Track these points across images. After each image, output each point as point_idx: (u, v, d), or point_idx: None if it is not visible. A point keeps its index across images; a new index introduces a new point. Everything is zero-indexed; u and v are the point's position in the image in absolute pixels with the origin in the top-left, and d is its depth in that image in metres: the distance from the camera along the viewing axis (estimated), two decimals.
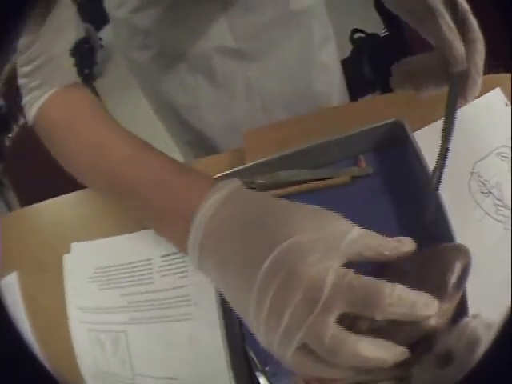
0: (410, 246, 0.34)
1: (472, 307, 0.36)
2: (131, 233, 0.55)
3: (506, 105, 0.53)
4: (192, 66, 0.70)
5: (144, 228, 0.53)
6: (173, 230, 0.40)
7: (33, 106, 0.48)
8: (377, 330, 0.31)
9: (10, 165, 1.03)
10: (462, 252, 0.34)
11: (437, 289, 0.32)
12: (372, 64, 0.93)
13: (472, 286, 0.34)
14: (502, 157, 0.49)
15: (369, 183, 0.49)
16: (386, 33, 0.96)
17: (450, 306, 0.32)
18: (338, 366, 0.30)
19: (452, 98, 0.40)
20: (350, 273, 0.31)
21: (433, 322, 0.31)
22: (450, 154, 0.46)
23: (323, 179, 0.49)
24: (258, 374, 0.44)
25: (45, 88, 0.48)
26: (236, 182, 0.37)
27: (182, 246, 0.38)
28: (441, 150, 0.41)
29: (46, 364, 0.51)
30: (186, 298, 0.51)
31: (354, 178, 0.49)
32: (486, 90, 0.52)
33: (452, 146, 0.47)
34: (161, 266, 0.53)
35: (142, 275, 0.53)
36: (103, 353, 0.53)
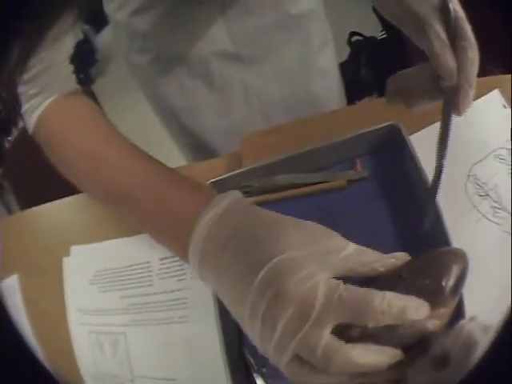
0: (404, 259, 0.35)
1: (469, 309, 0.37)
2: (130, 236, 0.56)
3: (505, 107, 0.53)
4: (191, 69, 0.71)
5: (142, 232, 0.53)
6: (172, 242, 0.41)
7: (32, 114, 0.49)
8: (370, 335, 0.32)
9: (10, 168, 1.03)
10: (459, 256, 0.34)
11: (434, 293, 0.33)
12: (369, 67, 0.93)
13: (468, 289, 0.34)
14: (499, 159, 0.49)
15: (365, 187, 0.49)
16: (384, 35, 0.96)
17: (447, 310, 0.33)
18: (333, 374, 0.31)
19: (446, 111, 0.40)
20: (341, 285, 0.31)
21: (430, 325, 0.32)
22: (447, 156, 0.47)
23: (320, 183, 0.50)
24: (255, 375, 0.44)
25: (44, 95, 0.48)
26: (234, 196, 0.38)
27: (183, 258, 0.39)
28: (436, 167, 0.41)
29: (46, 365, 0.52)
30: (184, 300, 0.52)
31: (350, 181, 0.49)
32: (484, 91, 0.53)
33: (449, 148, 0.48)
34: (159, 269, 0.54)
35: (141, 278, 0.54)
36: (103, 354, 0.53)
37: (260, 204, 0.49)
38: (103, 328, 0.54)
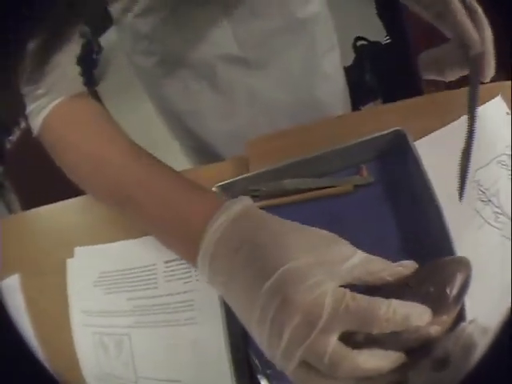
0: (412, 268, 0.36)
1: (469, 312, 0.37)
2: (135, 238, 0.57)
3: (507, 113, 0.53)
4: (196, 72, 0.71)
5: (147, 234, 0.54)
6: (180, 245, 0.42)
7: (38, 115, 0.49)
8: (375, 340, 0.32)
9: (12, 167, 1.04)
10: (463, 264, 0.35)
11: (438, 300, 0.34)
12: (374, 71, 0.94)
13: (469, 292, 0.35)
14: (501, 165, 0.50)
15: (370, 192, 0.50)
16: (388, 40, 0.97)
17: (449, 317, 0.34)
18: (339, 379, 0.32)
19: (473, 77, 0.45)
20: (347, 293, 0.32)
21: (433, 331, 0.33)
22: (450, 163, 0.48)
23: (326, 188, 0.50)
24: (260, 377, 0.45)
25: (50, 97, 0.49)
26: (245, 202, 0.39)
27: (191, 262, 0.39)
28: (467, 132, 0.47)
29: (47, 365, 0.53)
30: (190, 303, 0.52)
31: (356, 186, 0.50)
32: (487, 98, 0.54)
33: (454, 155, 0.49)
34: (165, 272, 0.54)
35: (146, 280, 0.55)
36: (106, 355, 0.54)
37: (267, 208, 0.50)
38: (107, 329, 0.55)
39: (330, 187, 0.50)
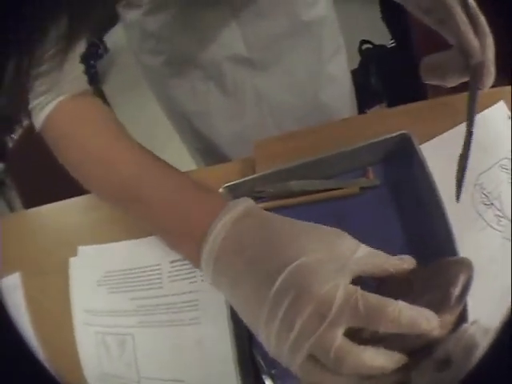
0: (411, 263, 0.37)
1: (471, 314, 0.38)
2: (139, 238, 0.57)
3: (508, 117, 0.54)
4: (203, 72, 0.71)
5: (152, 234, 0.54)
6: (185, 248, 0.42)
7: (41, 112, 0.49)
8: (380, 338, 0.33)
9: (13, 165, 1.04)
10: (465, 265, 0.36)
11: (441, 301, 0.35)
12: (379, 75, 0.95)
13: (471, 293, 0.36)
14: (503, 168, 0.51)
15: (376, 194, 0.51)
16: (393, 44, 0.98)
17: (452, 317, 0.35)
18: (343, 375, 0.33)
19: (473, 86, 0.45)
20: (358, 290, 0.33)
21: (436, 332, 0.34)
22: (455, 166, 0.49)
23: (332, 190, 0.51)
24: (264, 377, 0.45)
25: (54, 93, 0.49)
26: (247, 202, 0.39)
27: (194, 263, 0.40)
28: (466, 136, 0.46)
29: (48, 365, 0.52)
30: (195, 302, 0.53)
31: (362, 188, 0.51)
32: (489, 103, 0.54)
33: (456, 158, 0.49)
34: (170, 272, 0.55)
35: (151, 280, 0.55)
36: (109, 355, 0.54)
37: (273, 209, 0.51)
38: (110, 329, 0.55)
39: (336, 189, 0.51)
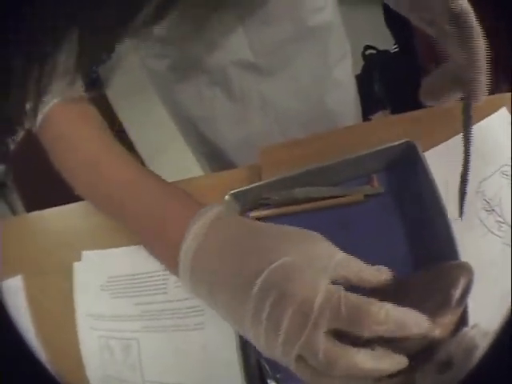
0: (387, 275, 0.37)
1: (472, 317, 0.39)
2: (136, 245, 0.57)
3: (508, 123, 0.54)
4: (209, 78, 0.72)
5: None
6: (164, 259, 0.43)
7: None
8: (379, 340, 0.34)
9: (15, 167, 1.04)
10: (466, 269, 0.38)
11: (442, 303, 0.36)
12: (382, 81, 0.95)
13: (472, 297, 0.37)
14: (504, 175, 0.52)
15: (381, 201, 0.52)
16: (397, 49, 0.98)
17: (453, 319, 0.36)
18: (337, 377, 0.33)
19: (466, 103, 0.45)
20: (340, 290, 0.33)
21: (437, 333, 0.35)
22: (458, 174, 0.50)
23: (337, 197, 0.52)
24: (269, 381, 0.46)
25: (51, 95, 0.49)
26: (216, 208, 0.40)
27: (173, 272, 0.40)
28: (464, 151, 0.46)
29: (49, 366, 0.54)
30: (200, 308, 0.53)
31: (366, 196, 0.52)
32: (491, 109, 0.55)
33: (459, 165, 0.50)
34: (174, 277, 0.56)
35: (156, 285, 0.56)
36: (112, 358, 0.55)
37: (278, 216, 0.52)
38: (114, 333, 0.56)
39: (341, 196, 0.52)
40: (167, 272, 0.56)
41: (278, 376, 0.46)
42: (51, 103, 0.50)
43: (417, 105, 0.60)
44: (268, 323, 0.33)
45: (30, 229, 0.67)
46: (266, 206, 0.53)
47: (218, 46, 0.68)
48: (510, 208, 0.49)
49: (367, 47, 1.02)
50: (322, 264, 0.35)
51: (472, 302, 0.38)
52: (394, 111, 0.92)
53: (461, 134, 0.54)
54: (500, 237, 0.49)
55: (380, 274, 0.37)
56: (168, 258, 0.41)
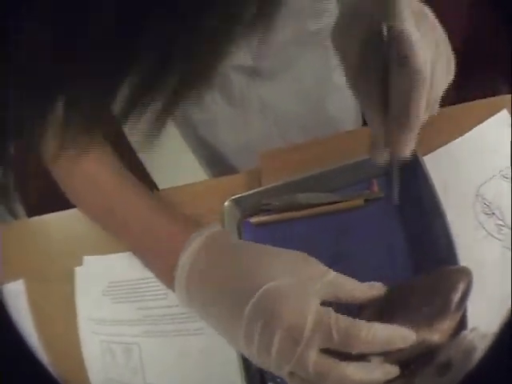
0: (380, 289, 0.38)
1: (471, 320, 0.40)
2: None
3: (508, 125, 0.54)
4: None
5: None
6: (160, 274, 0.44)
7: None
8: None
9: (16, 169, 1.04)
10: (465, 274, 0.39)
11: (441, 308, 0.37)
12: None
13: (471, 301, 0.38)
14: (504, 178, 0.52)
15: (381, 206, 0.52)
16: None
17: (452, 323, 0.37)
18: None
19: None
20: (330, 313, 0.34)
21: (436, 338, 0.36)
22: (456, 177, 0.50)
23: (337, 202, 0.52)
24: None
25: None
26: (212, 230, 0.41)
27: (169, 288, 0.42)
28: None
29: (52, 370, 0.54)
30: None
31: (366, 201, 0.52)
32: (492, 112, 0.55)
33: (460, 168, 0.50)
34: None
35: (156, 291, 0.56)
36: (114, 362, 0.56)
37: (279, 222, 0.52)
38: (116, 338, 0.56)
39: (341, 201, 0.52)
40: None
41: (278, 380, 0.47)
42: None
43: None
44: (260, 344, 0.35)
45: (31, 233, 0.67)
46: (267, 211, 0.53)
47: None
48: (511, 211, 0.49)
49: None
50: (312, 285, 0.36)
51: (472, 305, 0.39)
52: None
53: (460, 139, 0.55)
54: (500, 240, 0.49)
55: (372, 291, 0.38)
56: (164, 276, 0.42)
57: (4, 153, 0.22)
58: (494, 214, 0.50)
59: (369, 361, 0.35)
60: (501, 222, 0.50)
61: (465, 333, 0.37)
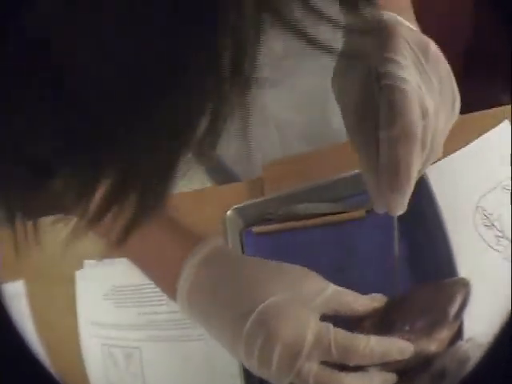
0: (381, 301, 0.39)
1: (470, 331, 0.41)
2: None
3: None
4: None
5: None
6: (161, 285, 0.45)
7: None
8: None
9: None
10: (463, 285, 0.40)
11: (439, 319, 0.38)
12: None
13: (469, 312, 0.40)
14: (505, 189, 0.52)
15: (382, 217, 0.53)
16: None
17: (449, 333, 0.38)
18: None
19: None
20: (329, 328, 0.35)
21: (433, 348, 0.37)
22: (458, 189, 0.50)
23: (340, 213, 0.53)
24: None
25: None
26: (212, 244, 0.41)
27: (171, 298, 0.43)
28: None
29: (51, 371, 0.54)
30: None
31: (368, 212, 0.53)
32: (494, 123, 0.55)
33: (460, 180, 0.51)
34: None
35: (159, 296, 0.56)
36: (115, 366, 0.56)
37: (281, 231, 0.53)
38: (116, 342, 0.57)
39: (343, 212, 0.53)
40: None
41: None
42: None
43: None
44: (260, 359, 0.36)
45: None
46: (269, 221, 0.54)
47: None
48: (511, 223, 0.50)
49: None
50: (312, 301, 0.37)
51: (469, 316, 0.40)
52: None
53: (463, 150, 0.55)
54: (499, 251, 0.50)
55: (373, 303, 0.39)
56: (166, 288, 0.44)
57: None
58: (493, 225, 0.51)
59: (367, 370, 0.36)
60: (500, 234, 0.50)
61: (461, 343, 0.38)
